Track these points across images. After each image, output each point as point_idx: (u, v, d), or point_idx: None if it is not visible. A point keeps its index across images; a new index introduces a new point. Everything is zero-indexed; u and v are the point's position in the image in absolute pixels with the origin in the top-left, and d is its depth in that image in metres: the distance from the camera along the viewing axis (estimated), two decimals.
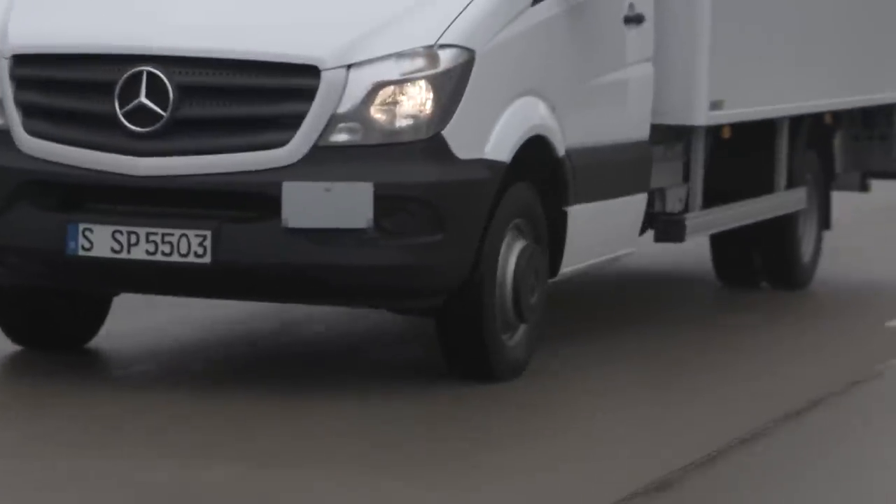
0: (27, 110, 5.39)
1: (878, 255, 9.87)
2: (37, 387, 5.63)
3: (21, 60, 5.42)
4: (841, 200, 9.40)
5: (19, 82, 5.42)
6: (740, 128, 7.60)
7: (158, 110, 5.10)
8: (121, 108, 5.13)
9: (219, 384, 5.62)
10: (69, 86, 5.45)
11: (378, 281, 5.36)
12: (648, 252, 8.07)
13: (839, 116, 8.89)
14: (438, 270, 5.35)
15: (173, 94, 5.09)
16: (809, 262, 8.71)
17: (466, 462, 4.58)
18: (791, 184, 8.31)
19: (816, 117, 8.54)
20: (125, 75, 5.14)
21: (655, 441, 5.02)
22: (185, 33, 5.35)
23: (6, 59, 5.49)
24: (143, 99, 5.11)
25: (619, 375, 6.19)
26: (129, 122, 5.14)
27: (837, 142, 9.24)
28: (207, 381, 5.77)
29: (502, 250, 5.57)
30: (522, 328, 5.62)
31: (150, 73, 5.10)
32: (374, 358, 6.58)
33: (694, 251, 8.63)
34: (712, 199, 7.60)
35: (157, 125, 5.12)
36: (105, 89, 5.25)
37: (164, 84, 5.11)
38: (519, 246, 5.59)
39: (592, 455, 4.90)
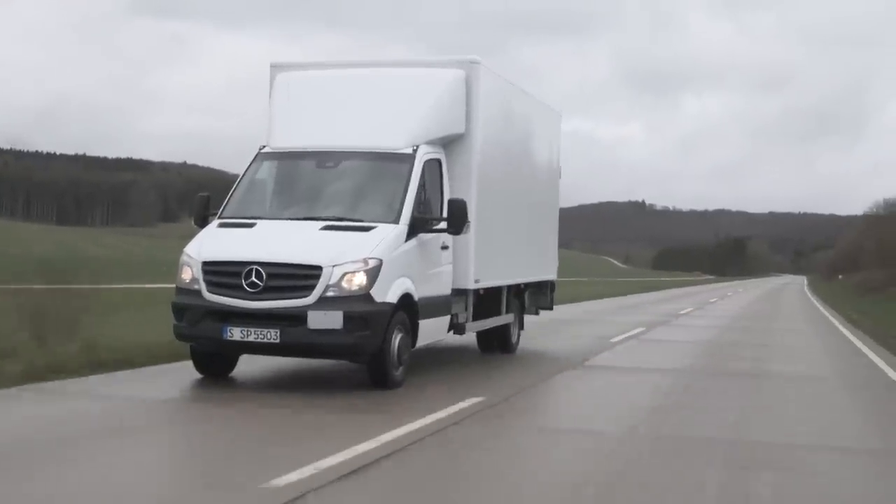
0: (208, 283, 10.36)
1: (542, 341, 16.40)
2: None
3: (207, 264, 10.35)
4: (529, 318, 15.50)
5: (205, 273, 10.39)
6: (488, 289, 12.79)
7: (259, 282, 10.03)
8: (244, 280, 10.08)
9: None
10: (221, 273, 10.16)
11: (344, 349, 9.94)
12: (457, 338, 13.18)
13: (528, 284, 14.55)
14: (369, 345, 9.94)
15: (265, 277, 10.01)
16: (516, 342, 14.78)
17: None
18: (508, 311, 14.02)
19: (518, 285, 14.01)
20: (246, 269, 10.05)
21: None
22: (268, 251, 10.11)
23: (199, 262, 10.34)
24: (253, 278, 10.05)
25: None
26: (248, 286, 10.06)
27: (526, 294, 14.94)
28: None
29: (393, 337, 10.21)
30: (401, 367, 10.57)
31: (256, 269, 10.08)
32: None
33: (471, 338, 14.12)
34: (478, 316, 12.73)
35: (259, 288, 10.04)
36: (237, 275, 10.09)
37: (262, 273, 10.00)
38: (400, 335, 10.33)
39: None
